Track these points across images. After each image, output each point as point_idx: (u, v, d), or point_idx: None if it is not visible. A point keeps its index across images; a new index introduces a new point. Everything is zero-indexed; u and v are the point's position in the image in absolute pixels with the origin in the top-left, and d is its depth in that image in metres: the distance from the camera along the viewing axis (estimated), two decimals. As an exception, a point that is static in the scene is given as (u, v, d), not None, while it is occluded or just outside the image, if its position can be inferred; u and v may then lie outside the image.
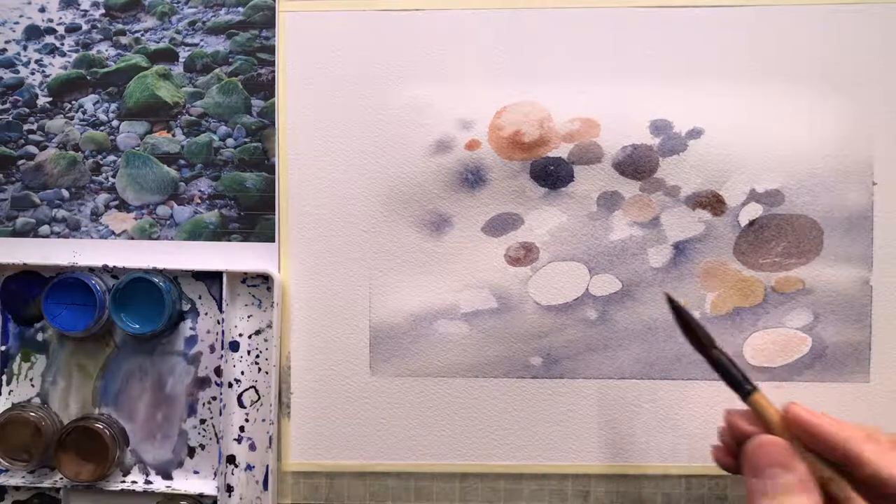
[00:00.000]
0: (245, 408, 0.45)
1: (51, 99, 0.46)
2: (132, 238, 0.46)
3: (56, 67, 0.46)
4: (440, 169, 0.44)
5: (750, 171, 0.43)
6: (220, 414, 0.44)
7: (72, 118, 0.46)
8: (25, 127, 0.46)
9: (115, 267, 0.44)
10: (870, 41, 0.43)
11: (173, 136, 0.46)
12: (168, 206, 0.46)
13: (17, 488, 0.46)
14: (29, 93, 0.46)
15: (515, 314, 0.44)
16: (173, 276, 0.45)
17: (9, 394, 0.46)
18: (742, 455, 0.35)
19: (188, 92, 0.45)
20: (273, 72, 0.45)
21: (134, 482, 0.45)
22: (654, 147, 0.44)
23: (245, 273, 0.45)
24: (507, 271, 0.44)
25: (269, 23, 0.45)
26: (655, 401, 0.44)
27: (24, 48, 0.46)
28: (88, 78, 0.46)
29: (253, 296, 0.45)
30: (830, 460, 0.33)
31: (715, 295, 0.44)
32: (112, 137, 0.46)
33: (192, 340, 0.45)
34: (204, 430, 0.45)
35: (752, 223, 0.44)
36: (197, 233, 0.45)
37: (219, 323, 0.45)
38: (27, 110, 0.46)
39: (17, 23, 0.46)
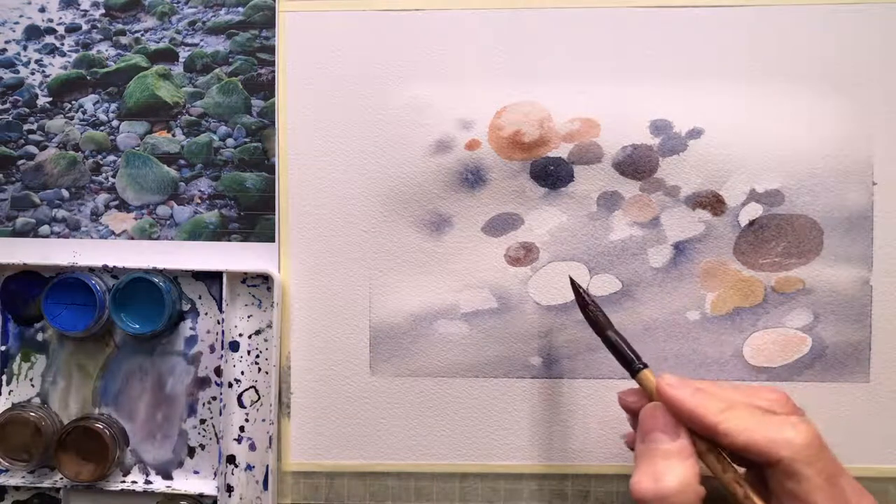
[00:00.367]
0: (245, 408, 0.45)
1: (51, 99, 0.46)
2: (132, 238, 0.46)
3: (56, 67, 0.46)
4: (440, 169, 0.44)
5: (750, 171, 0.43)
6: (220, 414, 0.44)
7: (72, 118, 0.46)
8: (25, 127, 0.46)
9: (115, 267, 0.44)
10: (870, 41, 0.43)
11: (173, 136, 0.46)
12: (168, 206, 0.46)
13: (17, 488, 0.46)
14: (29, 93, 0.46)
15: (515, 314, 0.44)
16: (173, 276, 0.45)
17: (9, 394, 0.46)
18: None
19: (188, 92, 0.45)
20: (273, 72, 0.45)
21: (134, 482, 0.45)
22: (654, 147, 0.44)
23: (245, 273, 0.45)
24: (507, 271, 0.44)
25: (269, 23, 0.45)
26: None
27: (24, 48, 0.46)
28: (88, 78, 0.46)
29: (253, 296, 0.45)
30: (697, 433, 0.34)
31: (715, 295, 0.44)
32: (112, 137, 0.46)
33: (192, 340, 0.45)
34: (204, 430, 0.45)
35: (752, 223, 0.44)
36: (197, 233, 0.45)
37: (219, 323, 0.45)
38: (27, 110, 0.46)
39: (17, 23, 0.46)
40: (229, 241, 0.45)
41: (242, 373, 0.45)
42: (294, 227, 0.45)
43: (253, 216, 0.45)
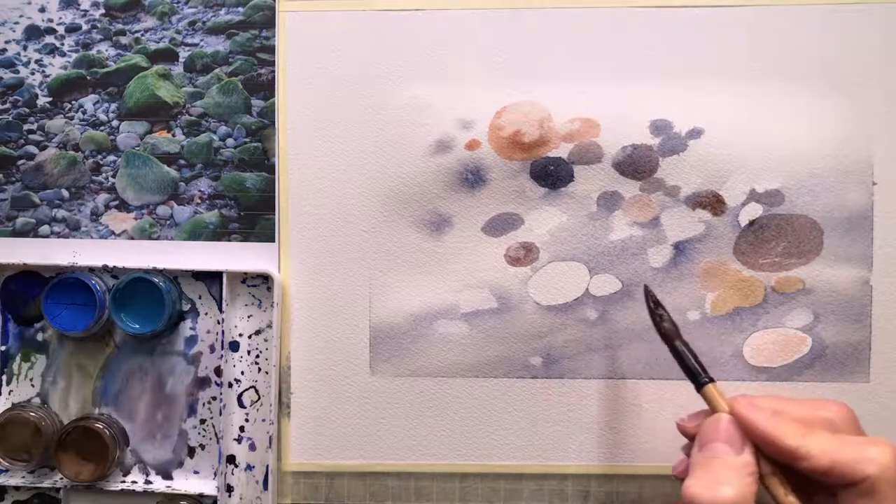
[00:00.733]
0: (245, 408, 0.45)
1: (51, 99, 0.46)
2: (132, 238, 0.46)
3: (56, 67, 0.46)
4: (440, 169, 0.44)
5: (750, 171, 0.43)
6: (220, 414, 0.44)
7: (72, 118, 0.46)
8: (25, 127, 0.46)
9: (115, 267, 0.44)
10: (870, 41, 0.43)
11: (173, 136, 0.46)
12: (168, 206, 0.46)
13: (17, 488, 0.46)
14: (29, 93, 0.46)
15: (515, 314, 0.44)
16: (173, 276, 0.45)
17: (9, 394, 0.46)
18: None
19: (188, 92, 0.46)
20: (273, 72, 0.45)
21: (134, 482, 0.45)
22: (654, 147, 0.44)
23: (245, 273, 0.45)
24: (507, 271, 0.44)
25: (269, 23, 0.45)
26: (655, 401, 0.44)
27: (24, 48, 0.46)
28: (88, 78, 0.46)
29: (253, 296, 0.45)
30: (771, 456, 0.34)
31: (715, 295, 0.44)
32: (112, 137, 0.46)
33: (192, 340, 0.45)
34: (204, 430, 0.45)
35: (752, 223, 0.44)
36: (197, 233, 0.45)
37: (219, 323, 0.45)
38: (27, 110, 0.46)
39: (17, 23, 0.46)
40: (229, 241, 0.45)
41: (242, 373, 0.45)
42: (294, 227, 0.45)
43: (253, 216, 0.45)
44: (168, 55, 0.46)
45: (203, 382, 0.45)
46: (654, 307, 0.40)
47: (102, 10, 0.46)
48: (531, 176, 0.44)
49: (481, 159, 0.44)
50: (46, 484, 0.45)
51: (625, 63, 0.44)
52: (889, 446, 0.33)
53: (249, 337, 0.45)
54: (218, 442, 0.45)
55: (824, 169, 0.43)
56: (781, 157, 0.43)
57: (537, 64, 0.44)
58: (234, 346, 0.45)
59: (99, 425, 0.44)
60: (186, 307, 0.45)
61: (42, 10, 0.46)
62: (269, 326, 0.45)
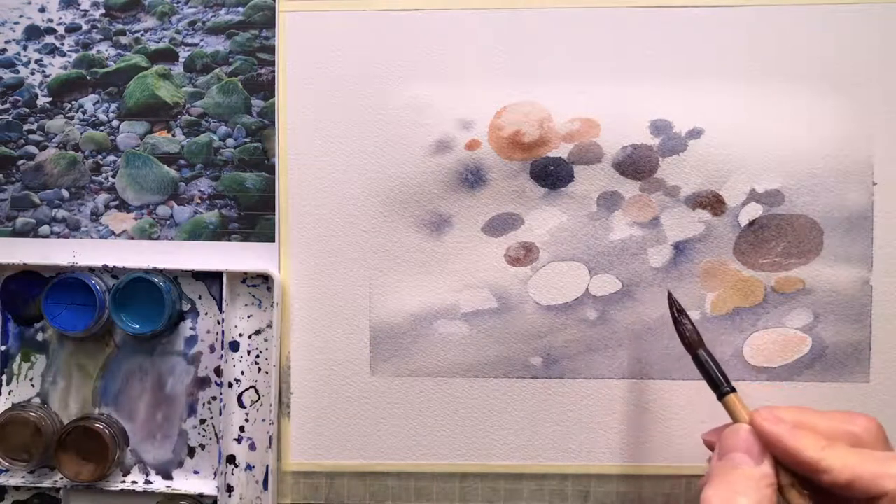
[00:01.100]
0: (245, 408, 0.45)
1: (51, 99, 0.46)
2: (132, 238, 0.46)
3: (56, 67, 0.46)
4: (440, 169, 0.44)
5: (750, 171, 0.43)
6: (220, 414, 0.44)
7: (72, 118, 0.46)
8: (25, 127, 0.46)
9: (115, 267, 0.44)
10: (870, 41, 0.43)
11: (173, 136, 0.46)
12: (168, 206, 0.46)
13: (17, 488, 0.46)
14: (29, 93, 0.46)
15: (515, 314, 0.44)
16: (173, 276, 0.45)
17: (9, 394, 0.46)
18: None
19: (188, 92, 0.46)
20: (273, 72, 0.45)
21: (134, 482, 0.45)
22: (654, 147, 0.44)
23: (245, 273, 0.45)
24: (507, 271, 0.44)
25: (269, 23, 0.45)
26: (655, 401, 0.44)
27: (24, 48, 0.46)
28: (88, 78, 0.46)
29: (253, 296, 0.45)
30: (791, 468, 0.34)
31: (715, 295, 0.44)
32: (112, 137, 0.46)
33: (192, 340, 0.45)
34: (204, 430, 0.45)
35: (752, 223, 0.44)
36: (197, 233, 0.45)
37: (219, 323, 0.45)
38: (27, 110, 0.46)
39: (17, 23, 0.46)
40: (229, 241, 0.45)
41: (242, 373, 0.45)
42: (294, 227, 0.45)
43: (253, 216, 0.45)
44: (168, 55, 0.46)
45: (203, 382, 0.45)
46: (678, 315, 0.39)
47: (102, 10, 0.46)
48: (531, 176, 0.44)
49: (481, 159, 0.44)
50: (46, 484, 0.45)
51: (625, 63, 0.44)
52: None
53: (249, 337, 0.45)
54: (218, 442, 0.45)
55: (824, 169, 0.43)
56: (781, 157, 0.43)
57: (537, 64, 0.44)
58: (234, 346, 0.45)
59: (99, 425, 0.44)
60: (186, 307, 0.45)
61: (42, 10, 0.46)
62: (269, 326, 0.45)
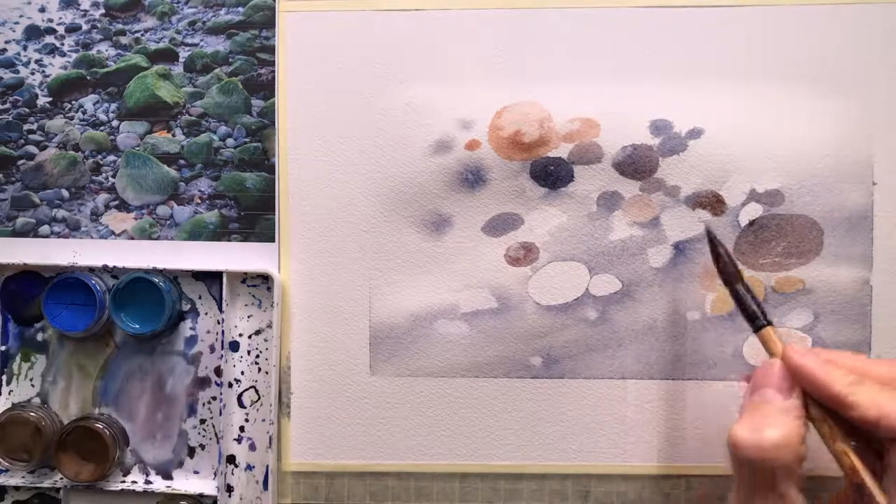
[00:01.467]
0: (245, 408, 0.45)
1: (51, 99, 0.46)
2: (132, 238, 0.46)
3: (56, 67, 0.46)
4: (440, 169, 0.44)
5: (750, 171, 0.43)
6: (220, 414, 0.44)
7: (72, 118, 0.46)
8: (25, 127, 0.46)
9: (115, 267, 0.44)
10: (870, 41, 0.43)
11: (173, 136, 0.46)
12: (168, 206, 0.46)
13: (17, 488, 0.46)
14: (29, 93, 0.46)
15: (515, 314, 0.44)
16: (173, 276, 0.45)
17: (9, 394, 0.46)
18: None
19: (188, 92, 0.46)
20: (273, 72, 0.45)
21: (134, 482, 0.45)
22: (654, 147, 0.44)
23: (245, 273, 0.45)
24: (507, 271, 0.44)
25: (269, 23, 0.45)
26: (656, 401, 0.44)
27: (24, 48, 0.46)
28: (88, 78, 0.46)
29: (253, 296, 0.45)
30: (821, 402, 0.34)
31: (715, 295, 0.44)
32: (112, 137, 0.46)
33: (192, 340, 0.45)
34: (204, 430, 0.45)
35: (752, 223, 0.44)
36: (197, 233, 0.45)
37: (219, 323, 0.45)
38: (27, 110, 0.46)
39: (17, 23, 0.46)
40: (229, 241, 0.45)
41: (242, 373, 0.45)
42: (294, 227, 0.45)
43: (253, 216, 0.45)
44: (168, 55, 0.46)
45: (203, 382, 0.45)
46: (717, 248, 0.39)
47: (102, 10, 0.46)
48: (531, 176, 0.44)
49: (481, 159, 0.44)
50: (46, 484, 0.45)
51: (625, 63, 0.44)
52: None
53: (249, 337, 0.45)
54: (218, 442, 0.45)
55: (824, 169, 0.43)
56: (781, 158, 0.43)
57: (537, 64, 0.44)
58: (234, 346, 0.45)
59: (99, 425, 0.44)
60: (186, 307, 0.45)
61: (42, 10, 0.46)
62: (269, 326, 0.45)
